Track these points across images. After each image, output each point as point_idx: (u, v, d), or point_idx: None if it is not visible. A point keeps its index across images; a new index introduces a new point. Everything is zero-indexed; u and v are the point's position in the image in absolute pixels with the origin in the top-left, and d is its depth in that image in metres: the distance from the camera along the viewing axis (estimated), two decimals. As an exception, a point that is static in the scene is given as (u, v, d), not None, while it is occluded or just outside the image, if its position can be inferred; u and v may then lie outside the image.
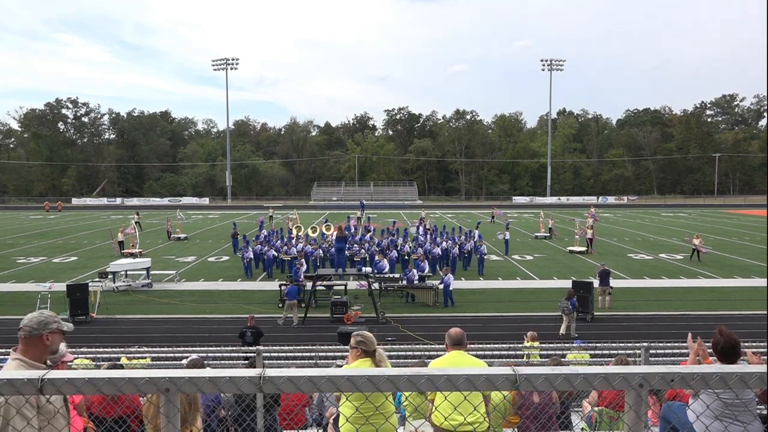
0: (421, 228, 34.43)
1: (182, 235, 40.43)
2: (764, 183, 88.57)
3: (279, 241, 29.03)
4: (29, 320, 3.28)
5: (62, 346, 5.39)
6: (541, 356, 12.28)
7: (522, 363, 11.53)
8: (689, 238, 32.97)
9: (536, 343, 12.74)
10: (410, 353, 12.20)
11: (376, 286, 21.54)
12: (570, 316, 17.29)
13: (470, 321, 18.58)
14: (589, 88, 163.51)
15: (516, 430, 6.64)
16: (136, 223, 37.81)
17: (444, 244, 28.07)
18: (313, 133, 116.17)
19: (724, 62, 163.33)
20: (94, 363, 10.60)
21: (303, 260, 24.20)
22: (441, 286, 20.68)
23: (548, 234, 40.06)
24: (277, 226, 37.22)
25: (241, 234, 33.25)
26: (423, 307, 20.79)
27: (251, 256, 26.68)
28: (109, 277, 23.85)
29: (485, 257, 27.67)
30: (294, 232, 32.03)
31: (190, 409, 4.64)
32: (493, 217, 51.92)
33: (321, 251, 27.47)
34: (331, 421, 6.53)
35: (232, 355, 12.40)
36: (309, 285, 20.54)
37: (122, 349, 12.38)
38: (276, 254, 27.02)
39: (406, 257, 27.46)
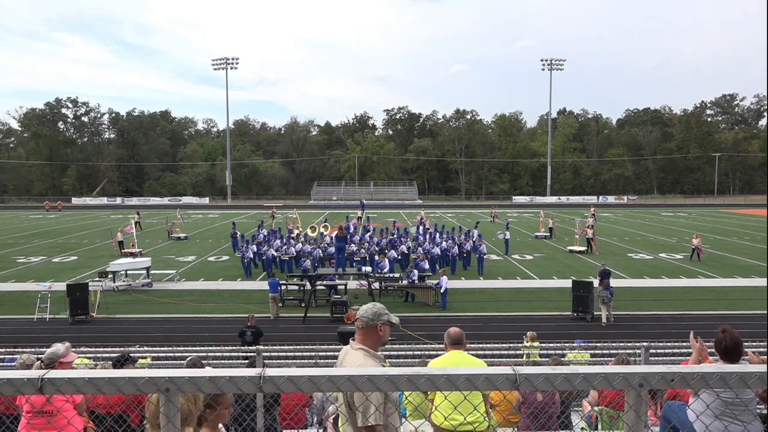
0: (421, 228, 34.43)
1: (182, 235, 40.46)
2: (764, 183, 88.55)
3: (278, 241, 29.04)
4: (365, 311, 3.43)
5: (63, 346, 5.40)
6: (540, 356, 12.29)
7: (522, 363, 11.54)
8: (688, 239, 32.92)
9: (536, 343, 12.76)
10: (410, 353, 12.21)
11: (376, 286, 21.54)
12: (608, 305, 18.34)
13: (470, 321, 18.58)
14: (589, 88, 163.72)
15: (516, 429, 6.65)
16: (136, 222, 37.80)
17: (443, 243, 28.05)
18: (313, 133, 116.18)
19: (724, 62, 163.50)
20: (94, 363, 10.60)
21: (307, 260, 24.38)
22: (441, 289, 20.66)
23: (548, 234, 40.07)
24: (277, 226, 37.21)
25: (240, 233, 33.21)
26: (423, 307, 20.79)
27: (251, 255, 26.70)
28: (109, 276, 23.85)
29: (485, 257, 27.65)
30: (295, 232, 32.06)
31: (195, 408, 4.63)
32: (492, 216, 51.98)
33: (320, 251, 27.44)
34: (331, 420, 6.54)
35: (232, 355, 12.42)
36: (308, 284, 20.57)
37: (122, 349, 12.38)
38: (275, 254, 27.03)
39: (400, 256, 27.32)
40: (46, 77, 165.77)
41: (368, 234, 31.46)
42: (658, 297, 22.15)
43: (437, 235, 30.17)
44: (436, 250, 26.89)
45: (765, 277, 23.28)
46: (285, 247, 27.76)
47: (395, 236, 30.38)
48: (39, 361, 5.53)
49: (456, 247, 27.49)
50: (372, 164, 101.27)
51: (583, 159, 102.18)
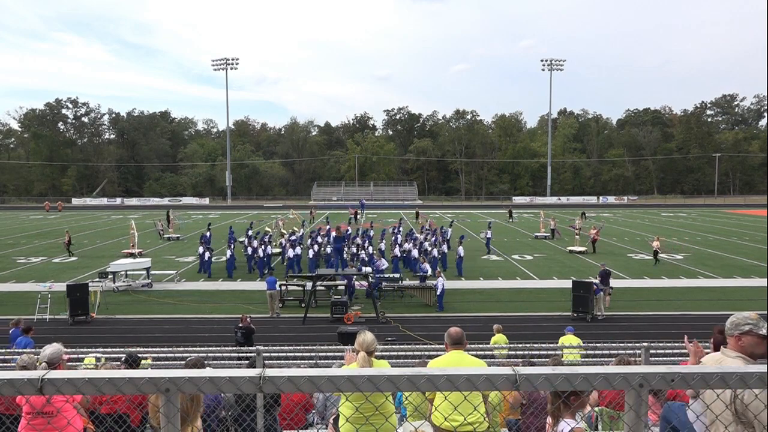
0: (400, 228, 34.22)
1: (174, 236, 40.38)
2: (764, 183, 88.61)
3: (256, 241, 28.56)
4: (728, 321, 3.31)
5: (58, 347, 5.41)
6: (532, 356, 12.27)
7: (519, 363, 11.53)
8: (650, 241, 32.43)
9: (503, 340, 13.00)
10: (410, 353, 12.20)
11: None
12: (597, 297, 18.96)
13: (470, 321, 18.57)
14: (589, 88, 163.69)
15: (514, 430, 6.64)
16: (167, 216, 37.96)
17: (410, 242, 27.89)
18: (313, 133, 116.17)
19: (724, 62, 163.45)
20: (94, 364, 10.61)
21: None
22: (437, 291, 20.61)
23: (550, 234, 39.98)
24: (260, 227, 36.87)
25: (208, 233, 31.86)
26: (423, 307, 20.79)
27: (208, 255, 26.73)
28: (109, 277, 23.85)
29: (462, 257, 26.92)
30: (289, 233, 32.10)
31: (192, 407, 4.63)
32: (510, 214, 52.89)
33: (313, 251, 27.27)
34: (331, 420, 6.53)
35: (232, 355, 12.41)
36: (309, 284, 20.57)
37: (122, 349, 12.35)
38: (231, 254, 26.72)
39: (366, 255, 27.10)
40: (46, 77, 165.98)
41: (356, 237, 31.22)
42: (658, 297, 22.14)
43: (421, 235, 29.99)
44: (415, 252, 26.59)
45: (765, 277, 23.29)
46: (261, 247, 27.13)
47: (370, 236, 30.21)
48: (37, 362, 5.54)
49: (434, 249, 27.39)
50: (372, 164, 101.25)
51: (583, 159, 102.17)
